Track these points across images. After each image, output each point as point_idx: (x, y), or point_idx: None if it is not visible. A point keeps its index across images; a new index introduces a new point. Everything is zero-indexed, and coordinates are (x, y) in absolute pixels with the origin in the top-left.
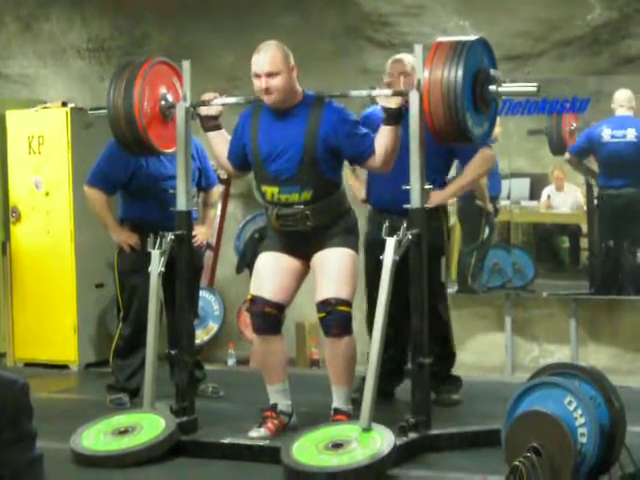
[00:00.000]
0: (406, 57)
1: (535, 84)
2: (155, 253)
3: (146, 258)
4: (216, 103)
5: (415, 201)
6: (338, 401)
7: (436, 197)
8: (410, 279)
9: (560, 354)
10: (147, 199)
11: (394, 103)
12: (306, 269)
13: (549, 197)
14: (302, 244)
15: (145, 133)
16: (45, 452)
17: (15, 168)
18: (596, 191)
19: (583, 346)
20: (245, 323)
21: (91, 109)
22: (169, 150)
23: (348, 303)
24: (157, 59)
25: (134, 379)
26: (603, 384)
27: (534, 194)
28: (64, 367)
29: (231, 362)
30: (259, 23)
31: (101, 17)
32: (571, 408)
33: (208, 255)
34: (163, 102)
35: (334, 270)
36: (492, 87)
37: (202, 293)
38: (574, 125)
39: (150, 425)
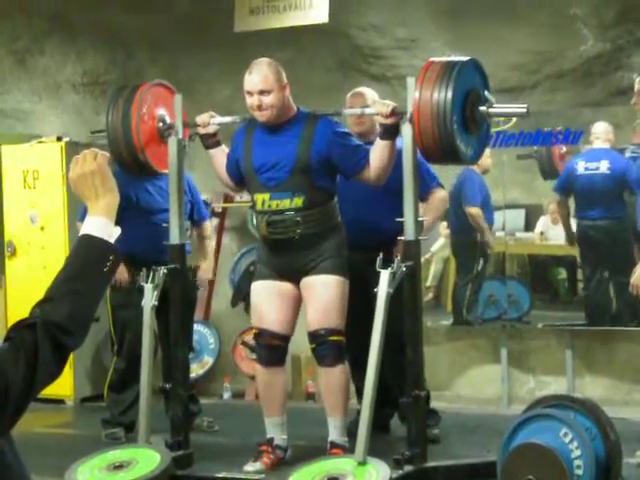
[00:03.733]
0: (367, 92)
1: (524, 105)
2: (148, 287)
3: (138, 292)
4: (213, 123)
5: (409, 233)
6: (334, 432)
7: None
8: (404, 311)
9: (556, 385)
10: (137, 233)
11: (390, 120)
12: (298, 292)
13: (542, 233)
14: (291, 261)
15: (143, 154)
16: None
17: (10, 203)
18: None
19: (579, 377)
20: (241, 356)
21: (92, 132)
22: (166, 170)
23: (339, 332)
24: (154, 81)
25: (129, 413)
26: (599, 416)
27: (529, 225)
28: (59, 402)
29: (227, 396)
30: (254, 57)
31: (95, 51)
32: (567, 440)
33: (203, 288)
34: (161, 123)
35: (323, 300)
36: (482, 107)
37: (198, 327)
38: (564, 149)
39: (145, 460)
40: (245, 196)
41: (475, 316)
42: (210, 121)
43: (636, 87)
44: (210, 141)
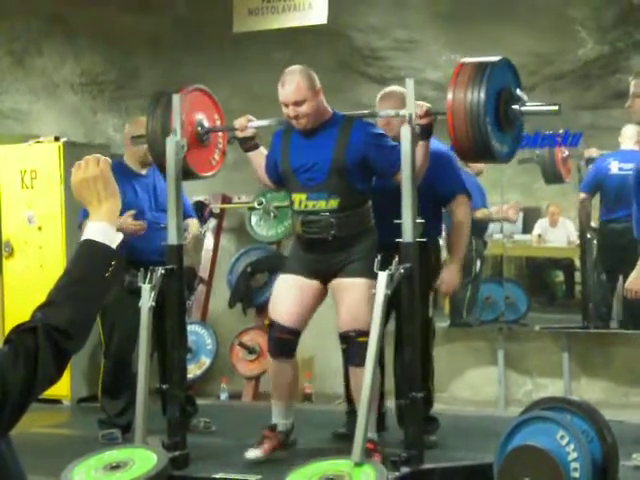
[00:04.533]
0: (397, 91)
1: (557, 104)
2: (145, 288)
3: (127, 293)
4: (250, 126)
5: (407, 235)
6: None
7: (452, 277)
8: (401, 314)
9: (553, 388)
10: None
11: (424, 120)
12: (324, 291)
13: (540, 236)
14: (323, 260)
15: (186, 162)
16: None
17: (8, 203)
18: (595, 225)
19: (576, 380)
20: (238, 357)
21: (132, 137)
22: (208, 174)
23: (367, 333)
24: (193, 86)
25: (125, 415)
26: (595, 418)
27: (527, 228)
28: (56, 402)
29: (224, 397)
30: (252, 57)
31: (93, 51)
32: (563, 443)
33: (201, 289)
34: (200, 128)
35: (354, 302)
36: (515, 106)
37: (195, 327)
38: (566, 152)
39: (142, 460)
40: (243, 197)
41: (474, 318)
42: (248, 124)
43: (631, 90)
44: (248, 144)
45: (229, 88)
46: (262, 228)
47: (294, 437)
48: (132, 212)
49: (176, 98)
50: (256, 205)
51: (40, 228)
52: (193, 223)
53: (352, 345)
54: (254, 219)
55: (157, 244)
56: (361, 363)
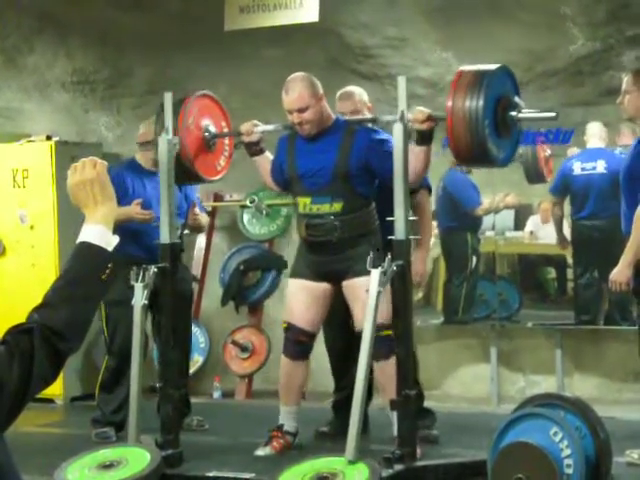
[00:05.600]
0: (355, 92)
1: (554, 112)
2: (138, 286)
3: (131, 290)
4: (256, 131)
5: (400, 232)
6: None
7: (424, 266)
8: (394, 311)
9: (546, 384)
10: (133, 232)
11: (426, 125)
12: (332, 292)
13: (532, 232)
14: (328, 262)
15: (192, 166)
16: None
17: None
18: (569, 224)
19: (569, 376)
20: (231, 355)
21: (139, 143)
22: (213, 178)
23: (388, 326)
24: (199, 92)
25: (120, 412)
26: (588, 415)
27: (519, 225)
28: (49, 401)
29: (216, 395)
30: (244, 54)
31: (85, 50)
32: (557, 439)
33: (194, 287)
34: (206, 134)
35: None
36: (513, 113)
37: None
38: (549, 152)
39: (135, 459)
40: (235, 195)
41: (470, 315)
42: (253, 130)
43: (623, 86)
44: (254, 149)
45: (220, 86)
46: (254, 226)
47: (299, 440)
48: (139, 201)
49: (168, 97)
50: (248, 203)
51: (32, 227)
52: (203, 216)
53: (377, 339)
54: (246, 217)
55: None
56: (387, 355)
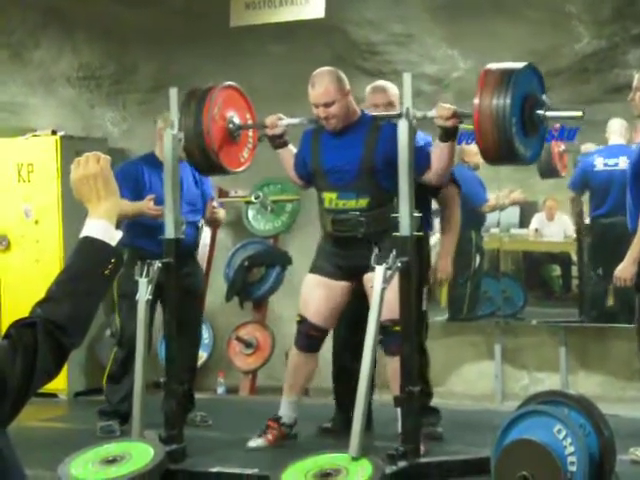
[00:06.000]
0: (388, 86)
1: (581, 110)
2: (142, 281)
3: None
4: (281, 124)
5: (405, 229)
6: None
7: (448, 264)
8: (399, 308)
9: (550, 382)
10: (148, 227)
11: (450, 122)
12: (350, 290)
13: (537, 230)
14: (352, 257)
15: (217, 157)
16: None
17: (4, 196)
18: (587, 220)
19: (573, 374)
20: (235, 351)
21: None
22: (237, 170)
23: (398, 322)
24: (224, 84)
25: (126, 402)
26: (592, 412)
27: (524, 222)
28: (53, 396)
29: (220, 391)
30: (249, 50)
31: (91, 45)
32: (560, 437)
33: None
34: (231, 125)
35: (387, 294)
36: (540, 111)
37: None
38: (563, 147)
39: (139, 454)
40: (240, 191)
41: (475, 313)
42: (278, 123)
43: (634, 83)
44: (278, 142)
45: (225, 82)
46: (259, 222)
47: (295, 431)
48: (152, 196)
49: (173, 92)
50: (253, 199)
51: (37, 222)
52: (221, 210)
53: (388, 335)
54: (251, 213)
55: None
56: (398, 351)
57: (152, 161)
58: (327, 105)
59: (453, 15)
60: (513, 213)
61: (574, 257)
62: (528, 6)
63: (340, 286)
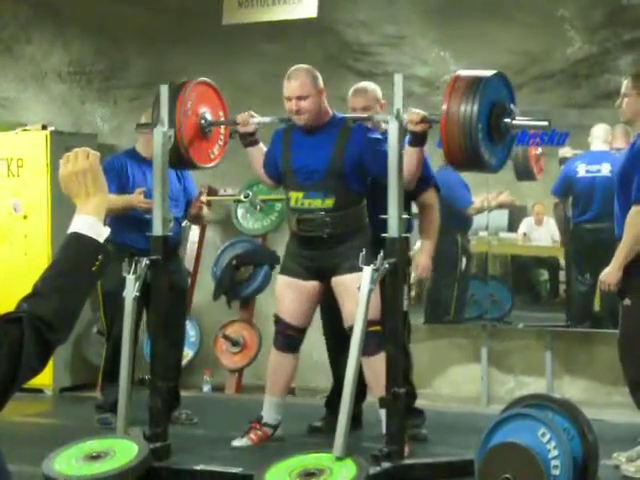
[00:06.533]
0: (369, 87)
1: (546, 120)
2: (130, 278)
3: None
4: (252, 122)
5: (393, 230)
6: None
7: (427, 261)
8: (384, 309)
9: (536, 386)
10: (131, 223)
11: (420, 127)
12: (321, 289)
13: (525, 234)
14: (318, 258)
15: (187, 152)
16: (17, 476)
17: None
18: (571, 225)
19: (558, 378)
20: (221, 350)
21: (137, 125)
22: (209, 165)
23: (377, 322)
24: (198, 80)
25: None
26: (577, 417)
27: (513, 226)
28: (38, 391)
29: (206, 389)
30: (241, 49)
31: (82, 41)
32: (544, 440)
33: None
34: (203, 121)
35: (357, 295)
36: (506, 119)
37: None
38: (540, 150)
39: (123, 450)
40: (229, 190)
41: (462, 316)
42: (250, 120)
43: (622, 89)
44: (248, 140)
45: (217, 79)
46: (248, 221)
47: (281, 433)
48: (142, 189)
49: (164, 89)
50: (242, 198)
51: (25, 217)
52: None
53: (366, 335)
54: (240, 212)
55: None
56: (375, 351)
57: (134, 156)
58: (300, 98)
59: (445, 17)
60: (502, 217)
61: (562, 262)
62: (520, 10)
63: (310, 286)
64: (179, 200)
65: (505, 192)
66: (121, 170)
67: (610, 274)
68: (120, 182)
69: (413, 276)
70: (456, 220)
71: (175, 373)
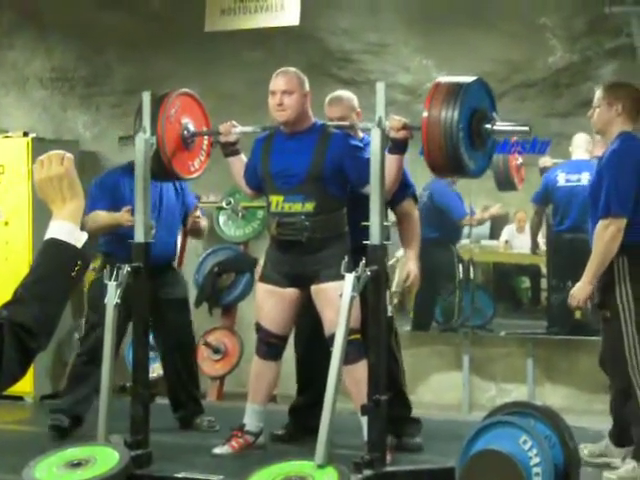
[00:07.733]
0: (344, 96)
1: (527, 125)
2: (111, 285)
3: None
4: (234, 132)
5: (375, 237)
6: None
7: (415, 273)
8: (367, 316)
9: (517, 393)
10: (121, 234)
11: (401, 134)
12: (301, 296)
13: (507, 242)
14: (297, 264)
15: (170, 164)
16: None
17: None
18: (550, 234)
19: (540, 386)
20: (203, 357)
21: (120, 137)
22: (192, 176)
23: (357, 330)
24: (179, 91)
25: (80, 405)
26: (558, 424)
27: (494, 234)
28: (19, 398)
29: None
30: (224, 56)
31: (65, 47)
32: (526, 447)
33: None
34: (185, 132)
35: (337, 303)
36: (487, 125)
37: None
38: (520, 160)
39: (104, 458)
40: (211, 197)
41: (460, 323)
42: (232, 130)
43: (594, 101)
44: (230, 149)
45: (200, 87)
46: (230, 228)
47: (263, 441)
48: (129, 208)
49: (146, 96)
50: (224, 205)
51: (7, 223)
52: (203, 219)
53: (347, 343)
54: (222, 219)
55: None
56: (356, 359)
57: (131, 171)
58: (285, 92)
59: (428, 26)
60: (484, 225)
61: (543, 269)
62: (502, 19)
63: (289, 294)
64: (175, 214)
65: (497, 205)
66: (114, 188)
67: (580, 289)
68: (113, 200)
69: (397, 284)
70: (451, 231)
71: (194, 382)
